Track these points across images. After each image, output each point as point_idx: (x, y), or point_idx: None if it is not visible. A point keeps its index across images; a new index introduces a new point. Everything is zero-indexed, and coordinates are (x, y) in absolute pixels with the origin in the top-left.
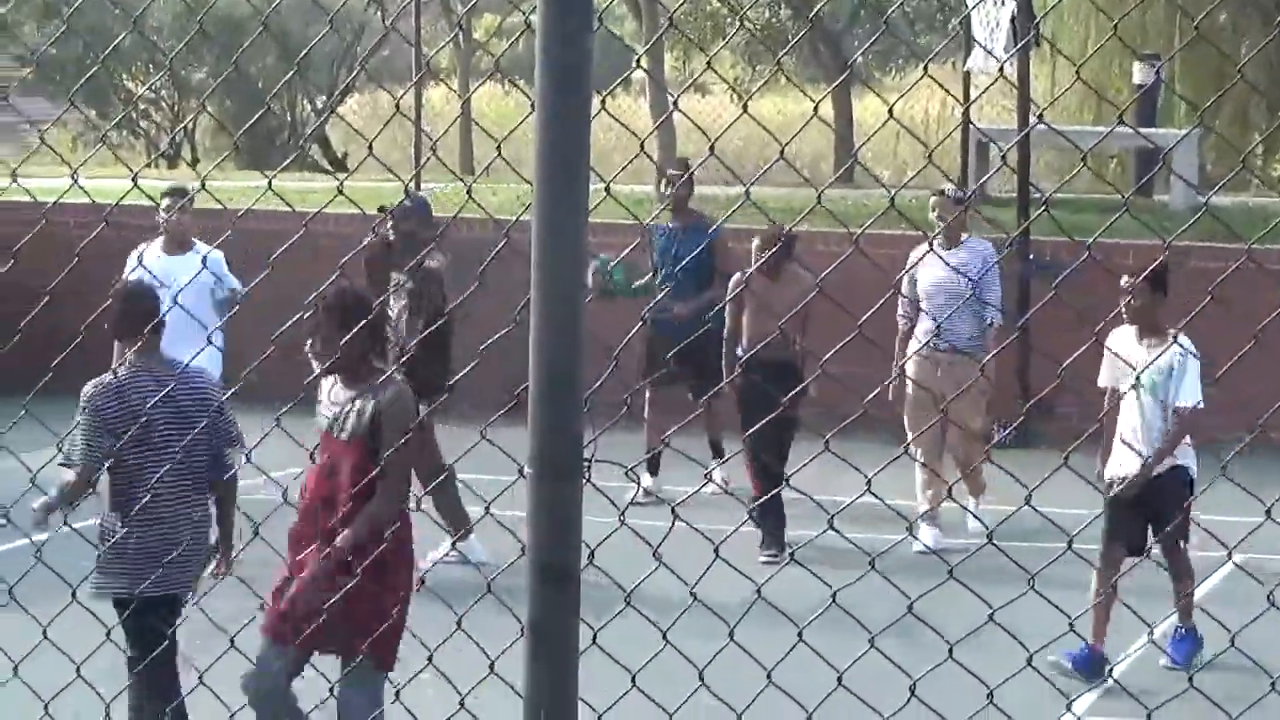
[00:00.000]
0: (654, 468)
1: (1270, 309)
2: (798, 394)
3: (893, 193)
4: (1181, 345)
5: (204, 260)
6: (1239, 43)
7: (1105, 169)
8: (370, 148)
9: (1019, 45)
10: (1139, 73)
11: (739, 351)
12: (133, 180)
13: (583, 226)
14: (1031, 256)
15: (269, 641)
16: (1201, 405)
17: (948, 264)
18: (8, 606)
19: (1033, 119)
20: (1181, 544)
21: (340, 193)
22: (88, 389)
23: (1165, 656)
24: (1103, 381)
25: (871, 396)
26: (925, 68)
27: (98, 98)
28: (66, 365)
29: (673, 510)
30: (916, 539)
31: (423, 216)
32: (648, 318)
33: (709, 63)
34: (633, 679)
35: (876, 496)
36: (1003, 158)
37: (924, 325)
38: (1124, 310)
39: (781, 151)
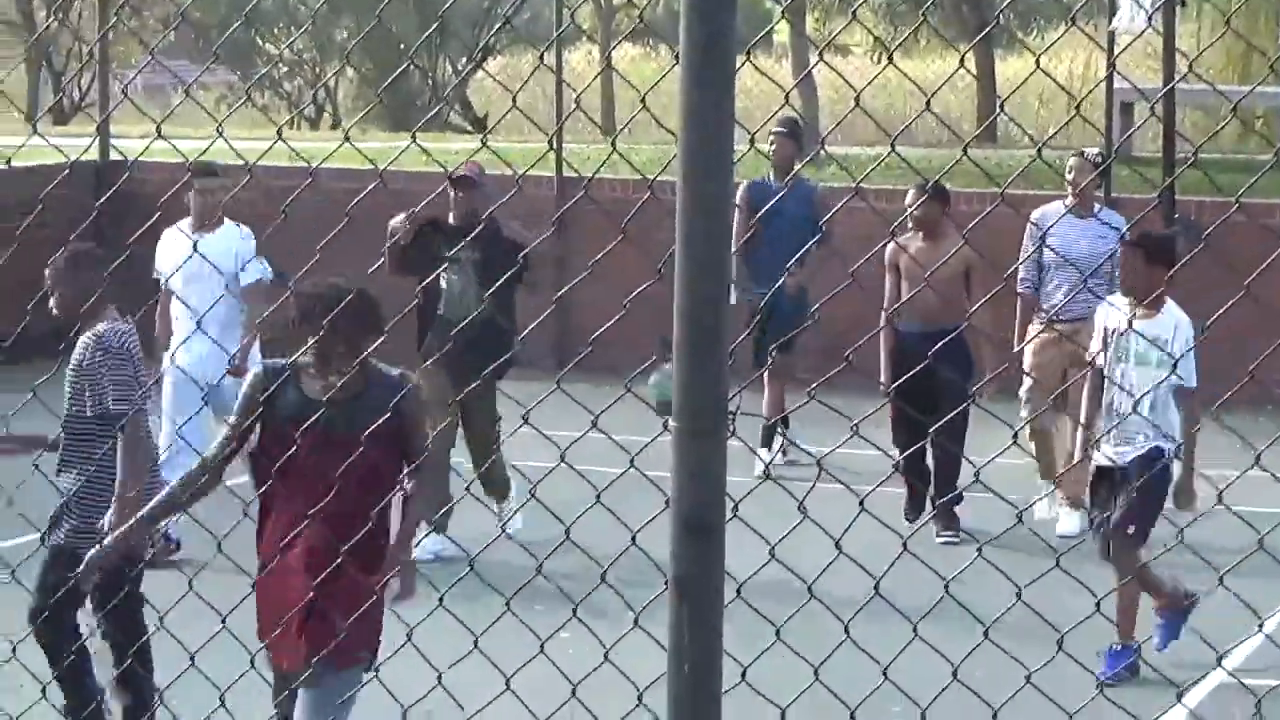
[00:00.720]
0: (768, 439)
1: None
2: (969, 371)
3: (1039, 144)
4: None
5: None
6: None
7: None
8: (514, 100)
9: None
10: None
11: (899, 327)
12: (277, 134)
13: (728, 188)
14: (1177, 216)
15: (281, 671)
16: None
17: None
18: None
19: (1179, 75)
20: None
21: (484, 144)
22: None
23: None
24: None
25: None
26: (1072, 19)
27: (241, 60)
28: None
29: (819, 464)
30: (1035, 519)
31: (484, 190)
32: (749, 292)
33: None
34: (777, 633)
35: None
36: (1151, 109)
37: (1048, 298)
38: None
39: (928, 103)
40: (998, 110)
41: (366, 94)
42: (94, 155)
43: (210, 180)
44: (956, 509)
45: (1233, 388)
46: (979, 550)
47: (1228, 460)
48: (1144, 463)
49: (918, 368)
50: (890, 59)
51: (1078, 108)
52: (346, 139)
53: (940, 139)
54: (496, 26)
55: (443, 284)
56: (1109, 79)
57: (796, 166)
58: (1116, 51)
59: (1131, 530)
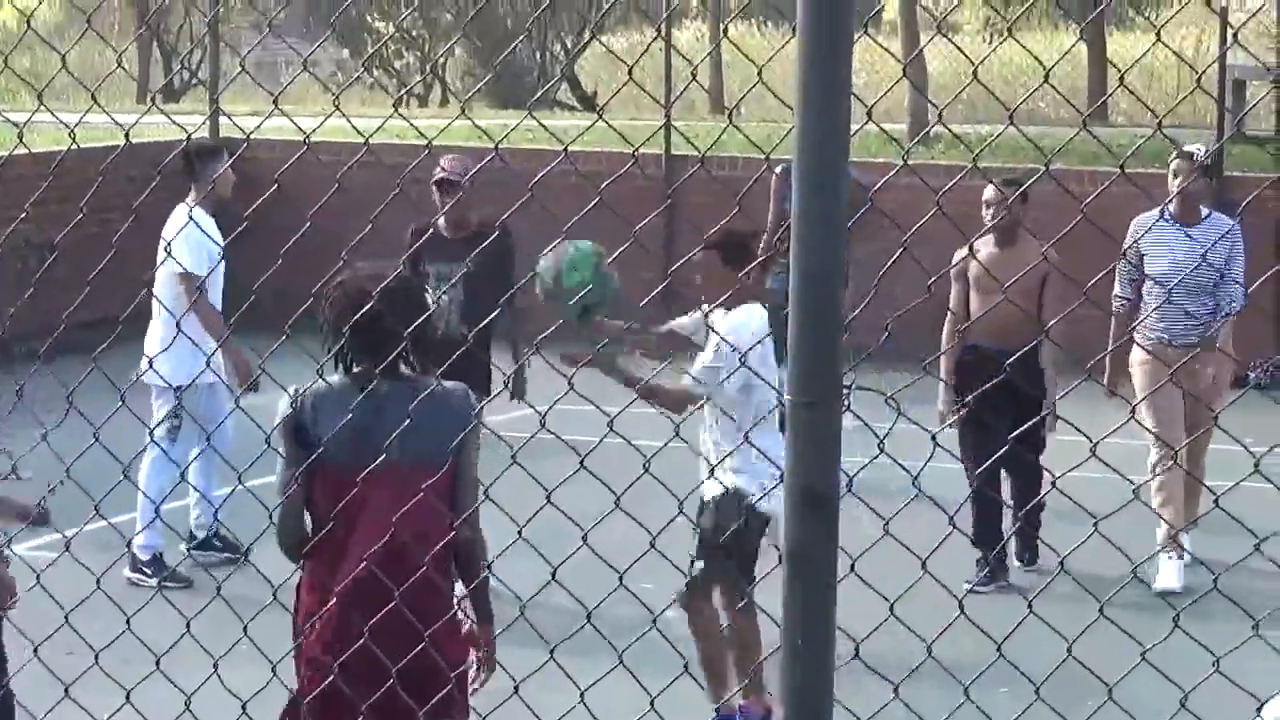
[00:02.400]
0: None
1: None
2: (1040, 398)
3: (1159, 119)
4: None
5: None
6: None
7: None
8: (630, 72)
9: None
10: None
11: (969, 343)
12: (394, 108)
13: (844, 156)
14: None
15: None
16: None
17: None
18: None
19: None
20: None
21: (600, 118)
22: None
23: None
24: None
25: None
26: None
27: (350, 38)
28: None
29: (933, 438)
30: (1152, 579)
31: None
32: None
33: None
34: (890, 608)
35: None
36: (1275, 81)
37: (1152, 318)
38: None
39: (1046, 75)
40: (1118, 84)
41: (475, 71)
42: (205, 132)
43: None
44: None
45: None
46: (1100, 610)
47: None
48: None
49: (988, 387)
50: (1010, 32)
51: (1198, 82)
52: (463, 112)
53: (1048, 117)
54: (609, 4)
55: (437, 302)
56: (1222, 56)
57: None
58: (1232, 27)
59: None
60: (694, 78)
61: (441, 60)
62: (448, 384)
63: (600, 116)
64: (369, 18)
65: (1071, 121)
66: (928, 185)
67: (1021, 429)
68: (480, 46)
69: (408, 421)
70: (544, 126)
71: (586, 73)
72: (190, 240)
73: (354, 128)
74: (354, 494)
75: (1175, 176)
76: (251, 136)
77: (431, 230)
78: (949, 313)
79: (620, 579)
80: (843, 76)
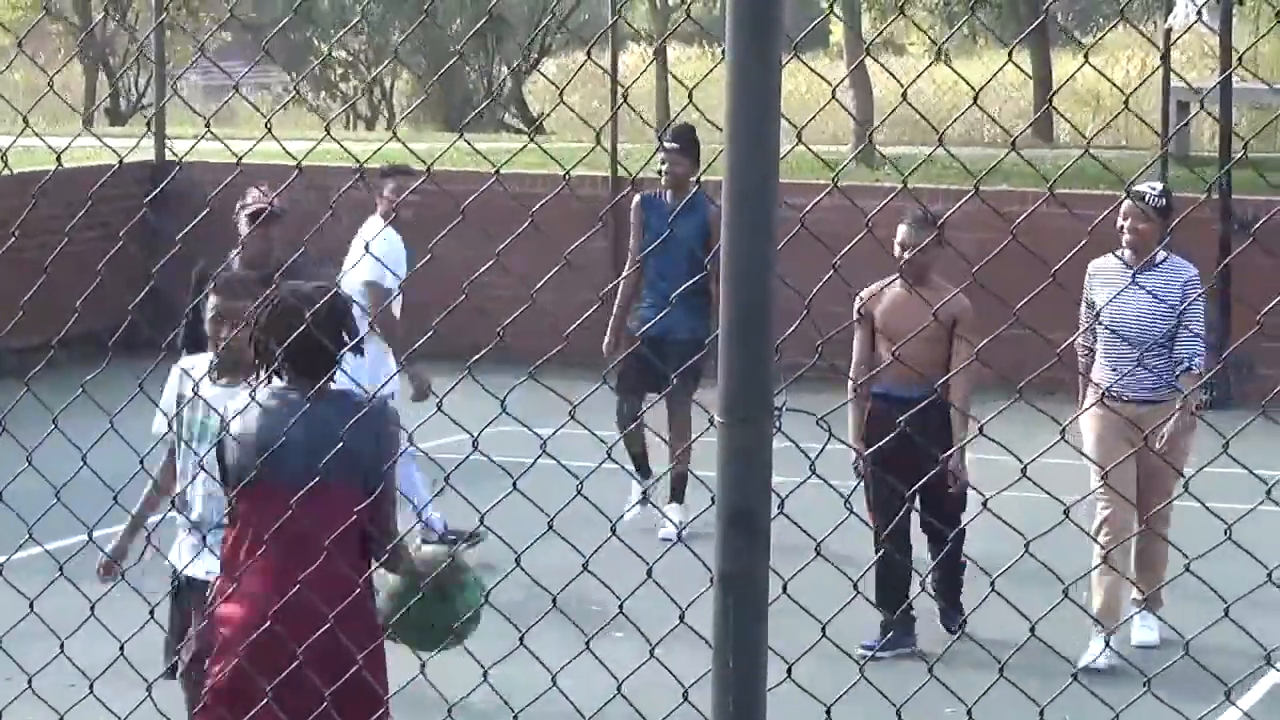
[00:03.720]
0: (642, 468)
1: None
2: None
3: (1088, 139)
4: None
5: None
6: None
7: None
8: (561, 95)
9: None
10: None
11: (873, 391)
12: (326, 131)
13: (773, 182)
14: (1248, 214)
15: None
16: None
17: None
18: None
19: (1234, 73)
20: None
21: (531, 139)
22: None
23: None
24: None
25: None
26: (1121, 13)
27: (298, 62)
28: None
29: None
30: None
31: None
32: (633, 326)
33: (901, 9)
34: (823, 629)
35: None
36: (1201, 104)
37: (1102, 369)
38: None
39: (975, 97)
40: (1045, 104)
41: (421, 95)
42: (151, 156)
43: (406, 179)
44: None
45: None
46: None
47: None
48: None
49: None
50: (940, 55)
51: (1125, 102)
52: (394, 135)
53: (997, 139)
54: (549, 26)
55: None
56: (1165, 77)
57: (692, 182)
58: (1172, 50)
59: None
60: (624, 100)
61: (389, 84)
62: (362, 397)
63: (531, 139)
64: (316, 40)
65: (1026, 144)
66: (855, 205)
67: (931, 473)
68: (426, 70)
69: (300, 436)
70: (474, 148)
71: (535, 96)
72: (379, 252)
73: (286, 150)
74: (261, 508)
75: (1125, 219)
76: (193, 161)
77: (223, 269)
78: (852, 362)
79: (554, 601)
80: (771, 102)
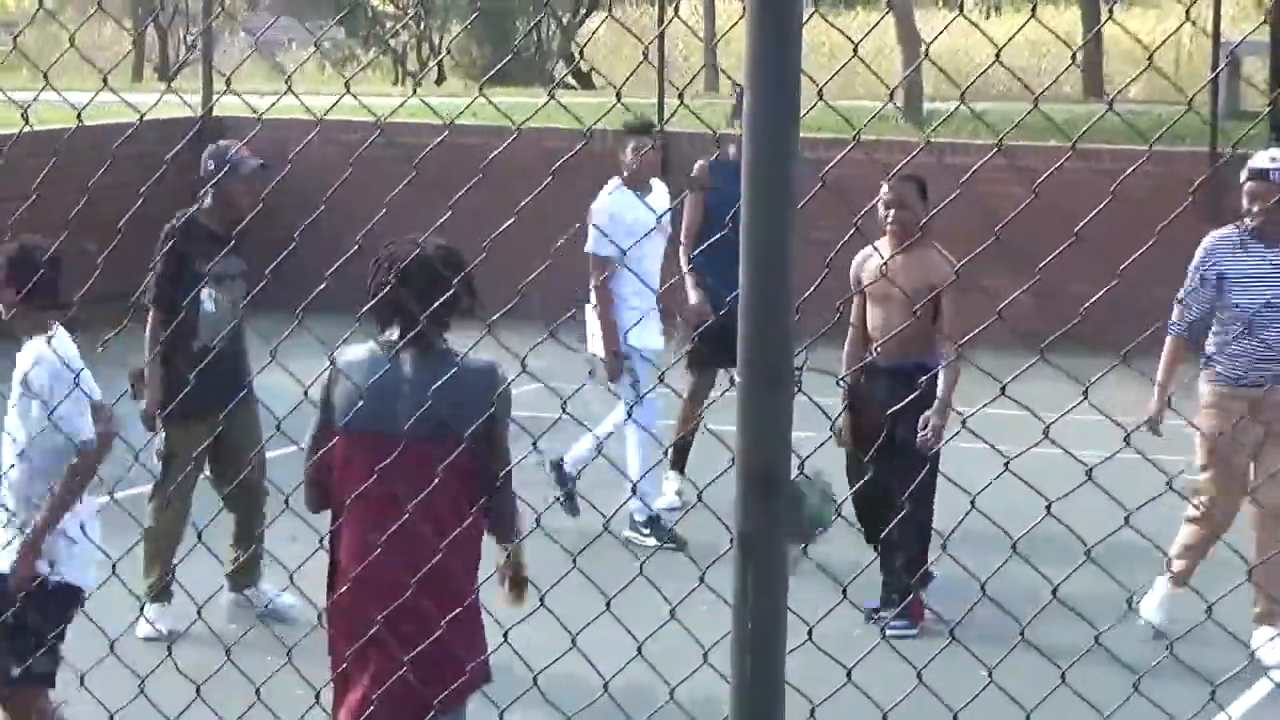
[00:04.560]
0: (680, 462)
1: None
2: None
3: (1110, 98)
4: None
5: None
6: None
7: None
8: (646, 53)
9: None
10: None
11: (869, 356)
12: (414, 90)
13: (794, 140)
14: None
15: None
16: None
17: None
18: None
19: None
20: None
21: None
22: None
23: None
24: None
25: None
26: None
27: (346, 17)
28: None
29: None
30: (1137, 611)
31: (233, 175)
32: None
33: None
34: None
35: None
36: (1230, 55)
37: (1223, 347)
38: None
39: (997, 55)
40: (1070, 62)
41: (471, 49)
42: (200, 112)
43: (645, 138)
44: (923, 594)
45: None
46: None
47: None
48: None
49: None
50: (961, 10)
51: (1150, 58)
52: (480, 92)
53: (1052, 94)
54: None
55: (205, 306)
56: (1215, 31)
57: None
58: (1222, 4)
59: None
60: (645, 57)
61: (438, 38)
62: (474, 358)
63: (618, 98)
64: None
65: (1074, 98)
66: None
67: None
68: (476, 23)
69: (426, 393)
70: (494, 105)
71: (589, 49)
72: (600, 219)
73: (365, 107)
74: (369, 462)
75: (1250, 199)
76: (241, 116)
77: (192, 225)
78: (850, 326)
79: (574, 561)
80: (792, 59)
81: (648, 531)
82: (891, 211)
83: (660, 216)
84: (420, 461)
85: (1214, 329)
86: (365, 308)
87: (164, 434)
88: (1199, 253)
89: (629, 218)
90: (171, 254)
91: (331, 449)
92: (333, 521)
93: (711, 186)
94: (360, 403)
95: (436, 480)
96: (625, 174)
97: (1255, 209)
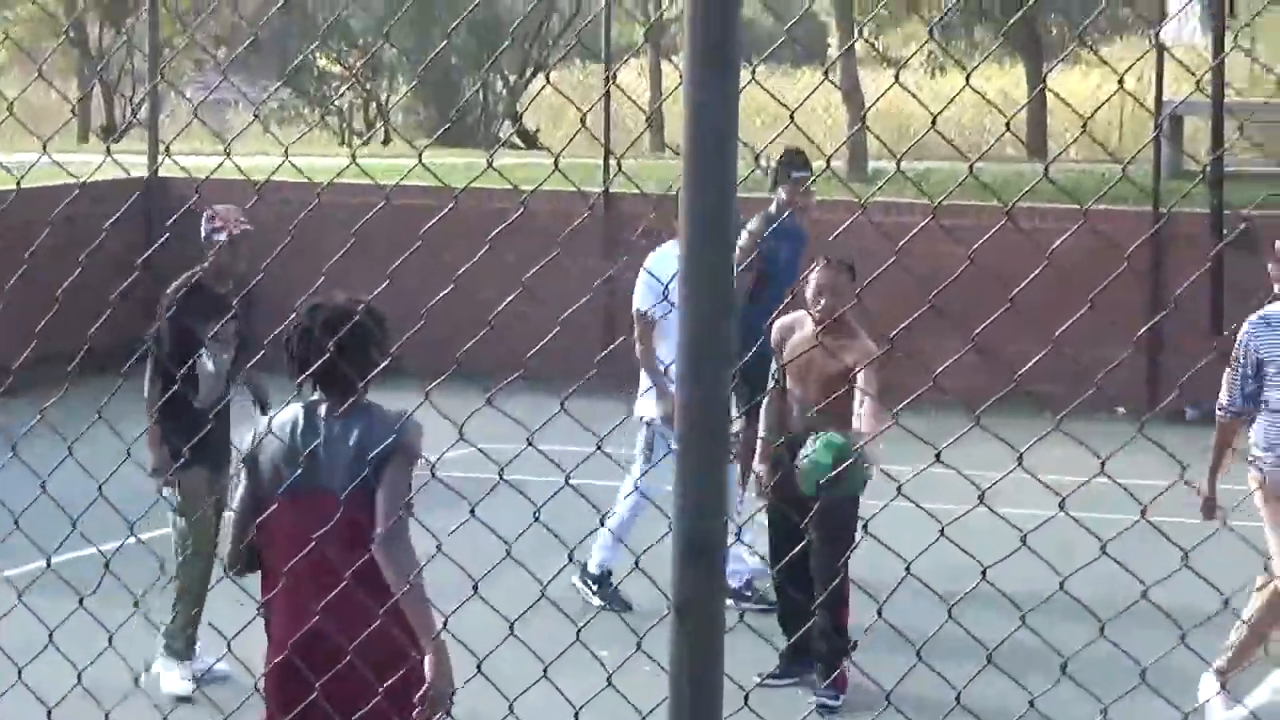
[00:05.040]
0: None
1: None
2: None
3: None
4: None
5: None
6: None
7: None
8: (584, 120)
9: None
10: None
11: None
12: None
13: (730, 202)
14: (1244, 227)
15: None
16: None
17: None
18: None
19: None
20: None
21: (490, 165)
22: None
23: None
24: None
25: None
26: (1080, 37)
27: (293, 77)
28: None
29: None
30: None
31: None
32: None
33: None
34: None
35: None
36: (1161, 123)
37: (1269, 425)
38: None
39: (933, 121)
40: (1005, 128)
41: (418, 109)
42: (144, 173)
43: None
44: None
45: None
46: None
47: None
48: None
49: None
50: (896, 77)
51: (1084, 126)
52: (420, 161)
53: (997, 153)
54: (557, 44)
55: (205, 367)
56: (1158, 92)
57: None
58: (1167, 68)
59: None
60: (583, 123)
61: (384, 98)
62: (390, 411)
63: (490, 165)
64: (314, 56)
65: (1018, 158)
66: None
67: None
68: (423, 85)
69: (325, 447)
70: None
71: (533, 110)
72: (652, 278)
73: (238, 168)
74: (287, 520)
75: (1274, 265)
76: (195, 176)
77: (194, 289)
78: (769, 394)
79: (511, 628)
80: (728, 121)
81: (595, 588)
82: (822, 300)
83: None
84: (347, 519)
85: (1262, 415)
86: (303, 375)
87: (176, 492)
88: (1242, 332)
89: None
90: (175, 319)
91: (259, 511)
92: (264, 587)
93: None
94: (285, 464)
95: (365, 535)
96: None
97: (1273, 269)
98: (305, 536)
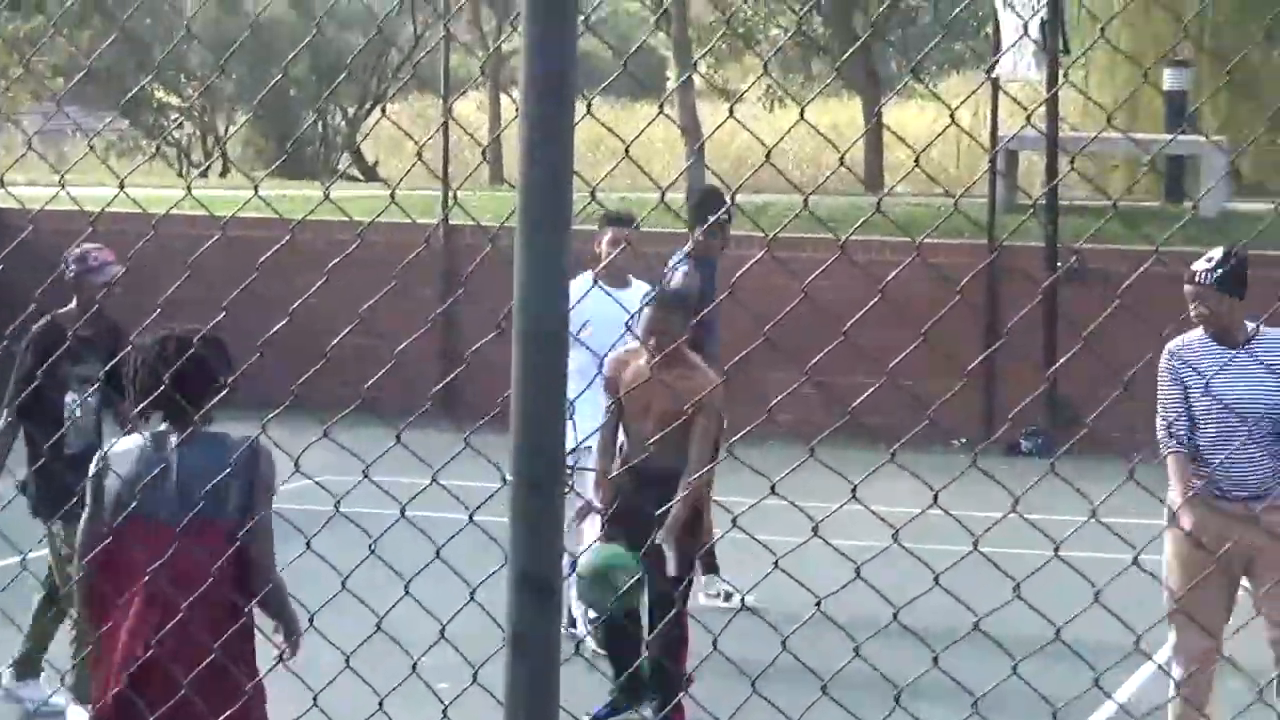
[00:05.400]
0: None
1: None
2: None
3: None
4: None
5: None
6: (1270, 50)
7: (1135, 176)
8: (420, 152)
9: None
10: (1169, 79)
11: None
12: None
13: (565, 237)
14: (1075, 261)
15: None
16: None
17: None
18: None
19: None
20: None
21: (326, 198)
22: None
23: None
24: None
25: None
26: (913, 70)
27: (131, 108)
28: None
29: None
30: None
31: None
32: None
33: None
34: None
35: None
36: (994, 158)
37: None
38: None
39: (768, 155)
40: (839, 162)
41: (256, 141)
42: None
43: (623, 230)
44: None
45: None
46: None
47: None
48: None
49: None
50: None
51: (916, 161)
52: (256, 193)
53: (830, 188)
54: (398, 77)
55: (71, 411)
56: (993, 126)
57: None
58: (1002, 102)
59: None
60: (419, 156)
61: (222, 129)
62: (236, 438)
63: (326, 197)
64: (152, 87)
65: (849, 190)
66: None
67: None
68: (261, 117)
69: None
70: (265, 201)
71: (370, 142)
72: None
73: (72, 198)
74: (138, 551)
75: (1192, 302)
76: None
77: (50, 329)
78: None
79: (346, 661)
80: (564, 154)
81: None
82: (654, 339)
83: (631, 317)
84: (191, 548)
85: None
86: (143, 404)
87: (53, 536)
88: (1163, 362)
89: (585, 308)
90: (31, 360)
91: (103, 542)
92: (96, 616)
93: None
94: (125, 494)
95: (210, 564)
96: (597, 265)
97: (1193, 310)
98: (151, 567)
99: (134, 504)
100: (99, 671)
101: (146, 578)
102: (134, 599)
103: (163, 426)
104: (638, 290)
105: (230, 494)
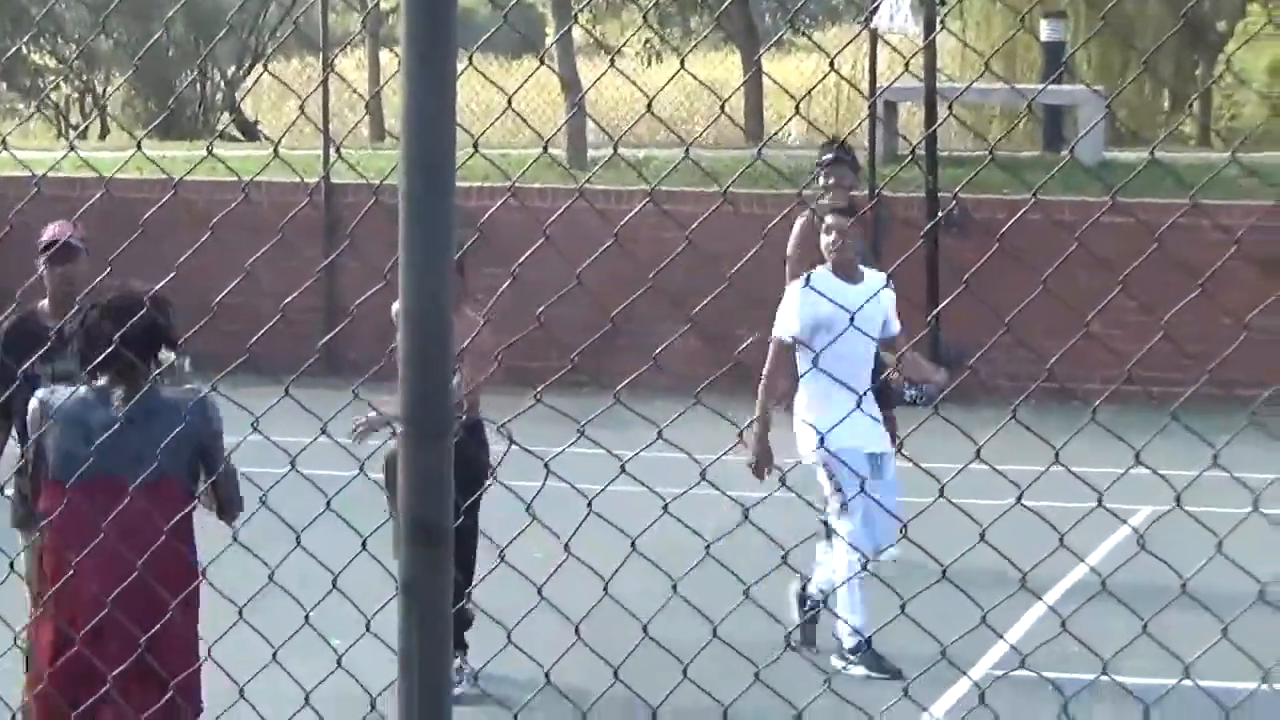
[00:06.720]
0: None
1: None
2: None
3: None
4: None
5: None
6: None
7: (1015, 125)
8: (302, 107)
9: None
10: (1046, 30)
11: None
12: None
13: (449, 194)
14: (954, 210)
15: None
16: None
17: None
18: None
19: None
20: None
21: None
22: None
23: None
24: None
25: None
26: (791, 22)
27: (8, 70)
28: None
29: (546, 466)
30: None
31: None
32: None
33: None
34: (508, 636)
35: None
36: (950, 108)
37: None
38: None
39: (649, 105)
40: (719, 111)
41: (134, 104)
42: None
43: (844, 220)
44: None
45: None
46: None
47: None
48: None
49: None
50: (613, 62)
51: (722, 108)
52: (138, 148)
53: (711, 140)
54: (274, 36)
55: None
56: (871, 78)
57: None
58: (881, 53)
59: None
60: (302, 110)
61: (101, 90)
62: (181, 394)
63: (209, 152)
64: (25, 49)
65: (735, 143)
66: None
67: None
68: (140, 77)
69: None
70: (149, 157)
71: (250, 101)
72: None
73: (18, 160)
74: (82, 506)
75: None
76: None
77: (29, 322)
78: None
79: (240, 613)
80: (445, 109)
81: (856, 659)
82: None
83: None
84: (139, 501)
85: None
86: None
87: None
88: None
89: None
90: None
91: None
92: (43, 577)
93: None
94: (75, 449)
95: (159, 518)
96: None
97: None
98: (114, 522)
99: (89, 461)
100: (47, 626)
101: (99, 536)
102: (89, 557)
103: (102, 381)
104: (871, 281)
105: (182, 446)
